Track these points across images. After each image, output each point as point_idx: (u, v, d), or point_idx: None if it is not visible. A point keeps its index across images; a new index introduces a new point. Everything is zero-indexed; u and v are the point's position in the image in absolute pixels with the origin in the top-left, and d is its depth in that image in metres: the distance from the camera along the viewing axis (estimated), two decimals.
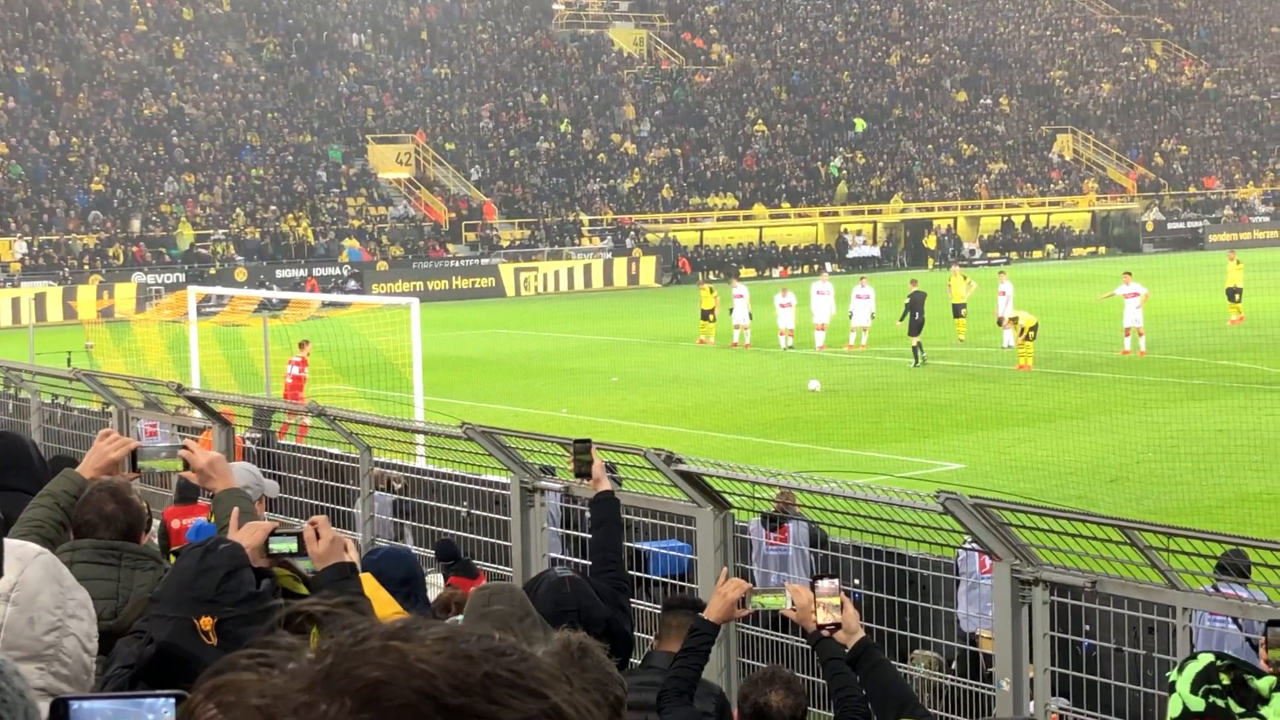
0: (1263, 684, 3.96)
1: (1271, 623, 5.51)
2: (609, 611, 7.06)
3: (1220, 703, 3.94)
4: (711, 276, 61.63)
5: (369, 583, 5.70)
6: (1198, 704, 3.96)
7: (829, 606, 5.88)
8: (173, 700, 1.89)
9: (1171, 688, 4.05)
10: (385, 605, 5.65)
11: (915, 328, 37.53)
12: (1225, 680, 3.96)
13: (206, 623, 4.25)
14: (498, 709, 1.28)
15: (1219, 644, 8.87)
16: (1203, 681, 3.98)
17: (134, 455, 5.84)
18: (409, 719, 1.25)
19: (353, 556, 5.74)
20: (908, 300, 38.36)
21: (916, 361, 36.77)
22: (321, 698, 1.27)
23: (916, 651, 10.49)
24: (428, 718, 1.26)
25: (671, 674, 6.23)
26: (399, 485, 14.18)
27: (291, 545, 4.99)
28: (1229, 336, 40.21)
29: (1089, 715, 9.09)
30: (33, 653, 3.59)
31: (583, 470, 8.36)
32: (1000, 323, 38.33)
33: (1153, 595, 8.55)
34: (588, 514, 11.59)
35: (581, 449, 8.40)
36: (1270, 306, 39.70)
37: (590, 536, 8.55)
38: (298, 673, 1.30)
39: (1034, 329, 35.82)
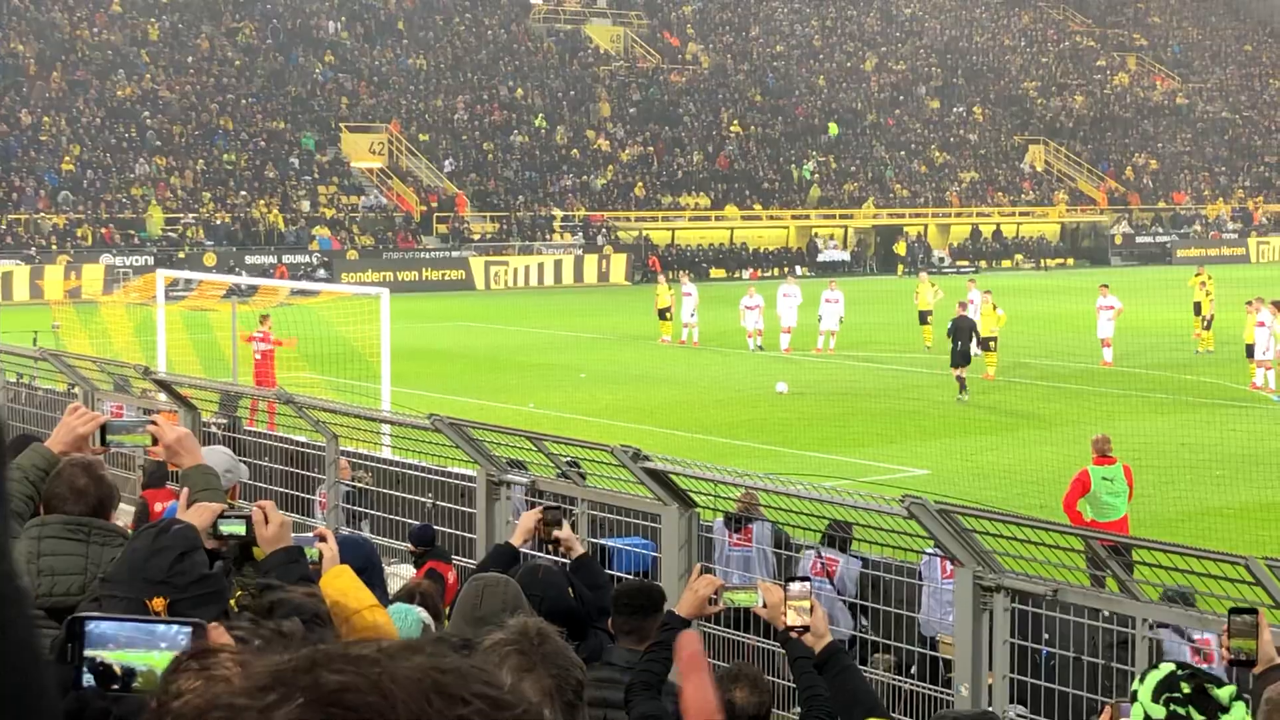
0: (1223, 693, 4.00)
1: (1234, 610, 5.58)
2: (574, 606, 7.06)
3: (1181, 711, 3.98)
4: (682, 278, 61.67)
5: (345, 573, 5.69)
6: (1159, 712, 4.00)
7: (799, 609, 5.91)
8: (189, 629, 1.89)
9: (1133, 697, 4.08)
10: (361, 594, 5.64)
11: (960, 358, 32.91)
12: (1186, 689, 3.99)
13: (159, 604, 4.23)
14: None
15: (1166, 651, 8.94)
16: (1164, 690, 4.01)
17: (103, 430, 5.83)
18: None
19: (331, 547, 5.75)
20: (950, 327, 33.93)
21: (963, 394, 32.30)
22: (284, 696, 1.28)
23: (876, 655, 10.54)
24: None
25: (641, 668, 6.24)
26: (363, 476, 14.15)
27: (240, 528, 5.04)
28: (1194, 351, 40.41)
29: None
30: None
31: (548, 539, 7.94)
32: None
33: (1112, 605, 8.61)
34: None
35: (552, 517, 7.94)
36: (1235, 323, 39.87)
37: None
38: (278, 663, 1.31)
39: (994, 340, 35.45)
